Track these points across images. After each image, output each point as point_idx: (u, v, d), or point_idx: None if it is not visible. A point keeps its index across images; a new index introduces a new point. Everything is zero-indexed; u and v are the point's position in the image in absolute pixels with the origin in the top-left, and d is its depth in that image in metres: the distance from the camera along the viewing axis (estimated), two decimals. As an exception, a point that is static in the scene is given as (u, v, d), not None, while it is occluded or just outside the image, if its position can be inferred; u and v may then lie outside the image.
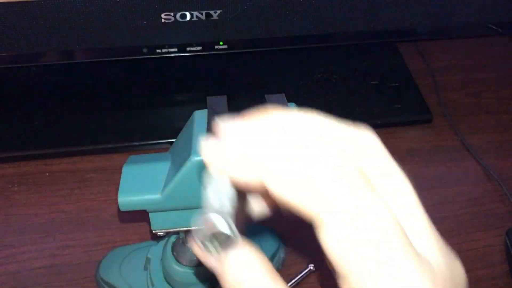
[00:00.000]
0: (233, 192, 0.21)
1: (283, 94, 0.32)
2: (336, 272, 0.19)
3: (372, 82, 0.63)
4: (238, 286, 0.21)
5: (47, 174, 0.53)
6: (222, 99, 0.32)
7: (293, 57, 0.66)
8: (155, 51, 0.52)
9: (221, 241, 0.21)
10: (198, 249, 0.22)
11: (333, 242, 0.19)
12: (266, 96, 0.32)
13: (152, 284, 0.40)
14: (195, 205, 0.31)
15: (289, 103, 0.32)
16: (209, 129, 0.32)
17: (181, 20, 0.50)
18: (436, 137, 0.59)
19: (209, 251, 0.21)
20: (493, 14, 0.57)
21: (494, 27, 0.58)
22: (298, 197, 0.19)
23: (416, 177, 0.61)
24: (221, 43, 0.53)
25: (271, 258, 0.43)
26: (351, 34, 0.56)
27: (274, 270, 0.21)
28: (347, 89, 0.62)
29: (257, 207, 0.25)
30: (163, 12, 0.49)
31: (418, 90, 0.63)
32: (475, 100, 0.64)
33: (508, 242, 0.47)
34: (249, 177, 0.20)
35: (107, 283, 0.42)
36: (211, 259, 0.21)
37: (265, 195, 0.23)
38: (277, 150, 0.20)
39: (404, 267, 0.18)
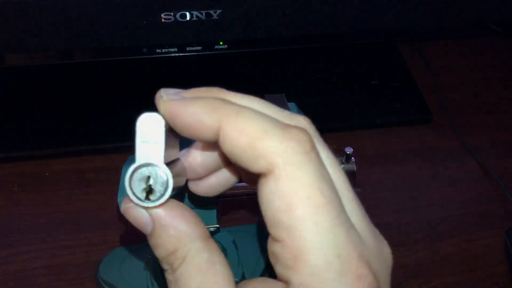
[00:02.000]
0: (166, 148, 0.20)
1: (283, 94, 0.32)
2: (271, 224, 0.19)
3: (372, 82, 0.63)
4: (166, 238, 0.20)
5: (47, 174, 0.53)
6: (222, 99, 0.31)
7: (293, 57, 0.66)
8: (155, 51, 0.52)
9: (153, 193, 0.20)
10: (126, 202, 0.21)
11: (278, 193, 0.19)
12: (266, 96, 0.32)
13: (153, 285, 0.40)
14: (196, 205, 0.31)
15: (289, 103, 0.32)
16: None
17: (181, 20, 0.50)
18: (436, 137, 0.59)
19: (138, 204, 0.20)
20: (494, 14, 0.57)
21: (494, 27, 0.58)
22: (254, 141, 0.19)
23: (416, 177, 0.61)
24: (221, 43, 0.53)
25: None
26: (351, 34, 0.56)
27: (204, 227, 0.21)
28: (347, 89, 0.62)
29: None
30: (163, 12, 0.49)
31: (418, 90, 0.63)
32: (475, 100, 0.64)
33: (508, 242, 0.47)
34: (207, 121, 0.20)
35: (107, 283, 0.42)
36: (139, 211, 0.21)
37: (211, 147, 0.23)
38: (235, 103, 0.20)
39: (337, 233, 0.19)
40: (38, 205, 0.50)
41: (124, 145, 0.55)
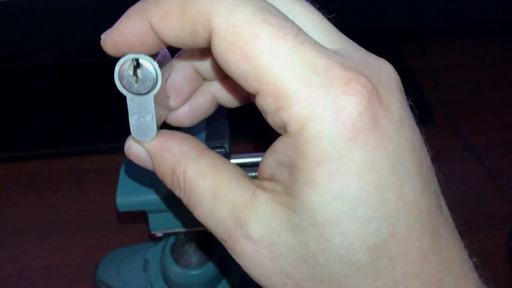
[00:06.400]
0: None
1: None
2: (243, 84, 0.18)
3: (373, 82, 0.62)
4: (162, 162, 0.21)
5: (45, 174, 0.52)
6: (222, 98, 0.31)
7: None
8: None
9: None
10: (127, 141, 0.23)
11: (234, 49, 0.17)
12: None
13: (151, 286, 0.39)
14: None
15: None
16: (208, 129, 0.31)
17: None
18: (437, 137, 0.59)
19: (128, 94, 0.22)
20: (496, 13, 0.56)
21: (496, 26, 0.58)
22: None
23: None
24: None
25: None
26: (351, 33, 0.56)
27: (198, 141, 0.21)
28: (348, 89, 0.62)
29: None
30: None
31: (420, 89, 0.63)
32: (477, 99, 0.64)
33: (510, 243, 0.47)
34: (195, 25, 0.18)
35: (105, 284, 0.42)
36: (138, 149, 0.23)
37: (204, 54, 0.22)
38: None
39: (302, 52, 0.17)
40: (36, 206, 0.50)
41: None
